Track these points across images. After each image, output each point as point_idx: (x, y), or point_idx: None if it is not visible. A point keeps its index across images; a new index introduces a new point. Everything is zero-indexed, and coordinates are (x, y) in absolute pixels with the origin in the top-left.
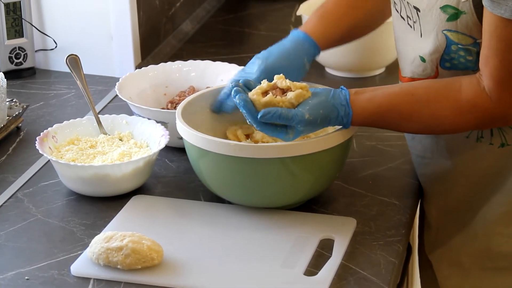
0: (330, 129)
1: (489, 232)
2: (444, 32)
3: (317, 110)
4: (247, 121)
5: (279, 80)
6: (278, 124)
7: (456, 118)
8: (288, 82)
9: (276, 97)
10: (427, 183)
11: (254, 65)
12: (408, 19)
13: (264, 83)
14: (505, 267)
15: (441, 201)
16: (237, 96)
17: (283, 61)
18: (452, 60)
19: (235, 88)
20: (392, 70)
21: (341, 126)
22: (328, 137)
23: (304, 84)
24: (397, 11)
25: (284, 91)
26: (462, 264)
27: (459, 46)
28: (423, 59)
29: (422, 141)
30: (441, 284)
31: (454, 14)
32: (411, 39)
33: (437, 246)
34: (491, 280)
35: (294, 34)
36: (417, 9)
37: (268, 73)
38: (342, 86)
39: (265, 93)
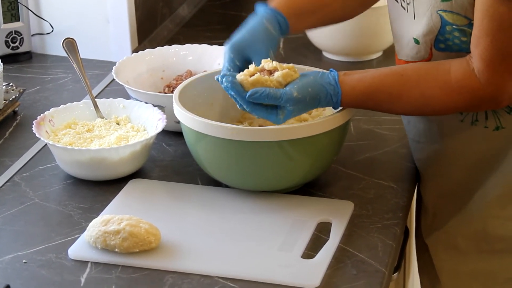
0: (327, 112)
1: (485, 214)
2: (439, 12)
3: (306, 89)
4: (238, 104)
5: (266, 62)
6: (269, 105)
7: (445, 99)
8: (274, 63)
9: (264, 76)
10: (423, 167)
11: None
12: (402, 1)
13: (252, 67)
14: (501, 249)
15: (437, 184)
16: (223, 79)
17: (245, 33)
18: (447, 41)
19: (221, 74)
20: (389, 54)
21: (338, 110)
22: (325, 120)
23: (291, 65)
24: None
25: (271, 72)
26: (458, 247)
27: (454, 26)
28: (416, 41)
29: (417, 125)
30: (438, 268)
31: None
32: (404, 21)
33: (434, 229)
34: (487, 262)
35: None
36: None
37: (235, 49)
38: (331, 69)
39: (252, 76)
